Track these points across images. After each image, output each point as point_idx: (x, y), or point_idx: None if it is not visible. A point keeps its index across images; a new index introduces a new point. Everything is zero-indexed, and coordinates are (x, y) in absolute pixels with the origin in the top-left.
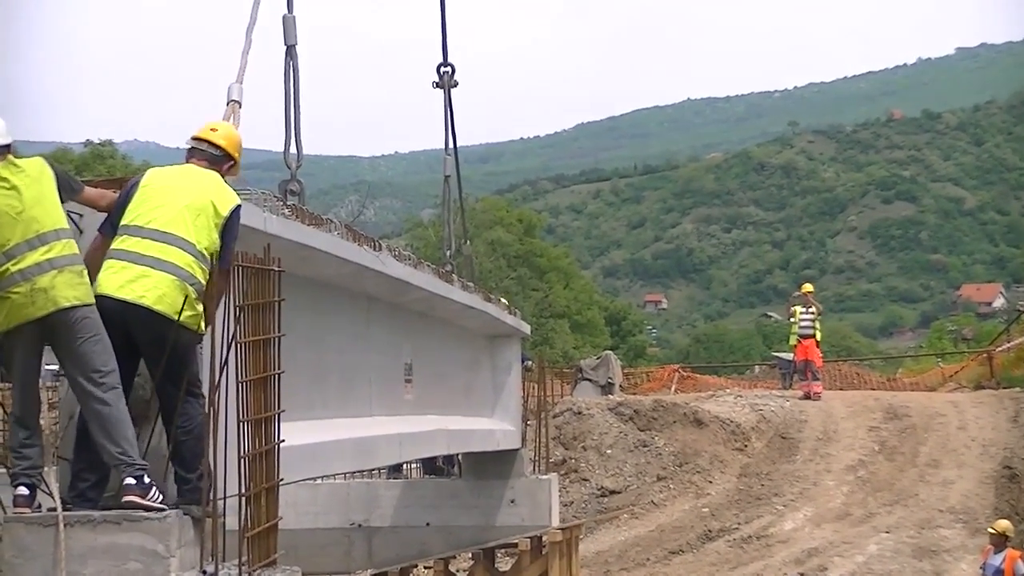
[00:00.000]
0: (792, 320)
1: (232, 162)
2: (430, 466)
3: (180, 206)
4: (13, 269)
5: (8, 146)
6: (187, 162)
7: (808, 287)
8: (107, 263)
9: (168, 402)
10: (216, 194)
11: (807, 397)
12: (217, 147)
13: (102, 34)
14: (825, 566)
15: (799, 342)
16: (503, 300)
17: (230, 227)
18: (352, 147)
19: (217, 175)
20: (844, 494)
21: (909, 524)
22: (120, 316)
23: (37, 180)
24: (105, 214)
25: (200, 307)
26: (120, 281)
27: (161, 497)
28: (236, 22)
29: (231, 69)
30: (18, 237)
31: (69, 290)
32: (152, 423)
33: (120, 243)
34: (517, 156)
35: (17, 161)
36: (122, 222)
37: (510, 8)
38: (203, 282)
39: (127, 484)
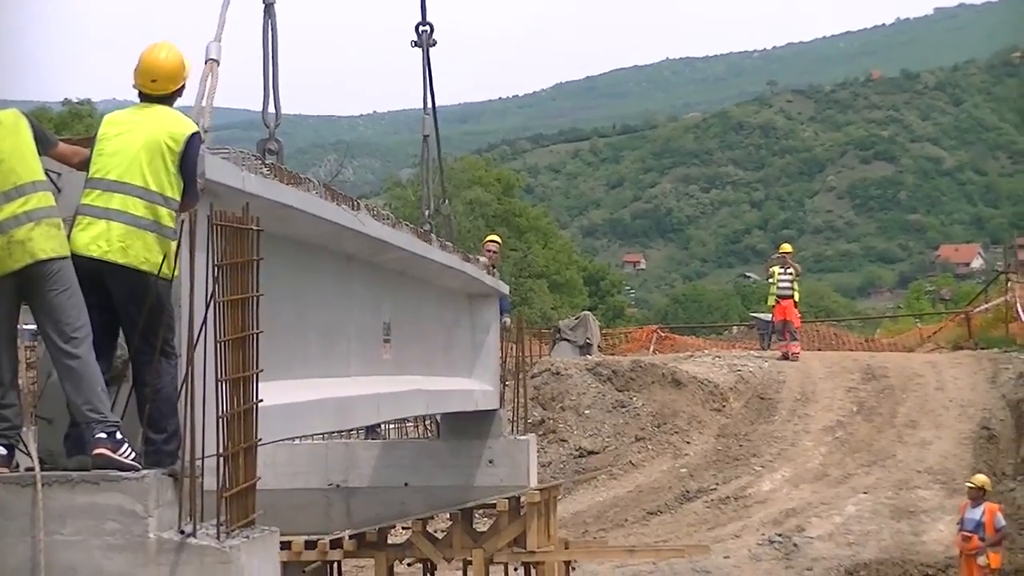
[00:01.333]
0: (770, 280)
1: (181, 88)
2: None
3: (133, 151)
4: None
5: None
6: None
7: (787, 247)
8: (76, 219)
9: (140, 361)
10: (168, 129)
11: (785, 357)
12: (167, 93)
13: None
14: (803, 526)
15: (777, 302)
16: (481, 259)
17: (188, 158)
18: (331, 107)
19: (167, 108)
20: (822, 455)
21: (887, 485)
22: (93, 273)
23: (13, 131)
24: (82, 172)
25: (166, 251)
26: (87, 238)
27: (133, 454)
28: None
29: (210, 27)
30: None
31: (46, 242)
32: (128, 383)
33: (85, 198)
34: (496, 116)
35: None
36: (88, 173)
37: None
38: (170, 225)
39: (98, 438)
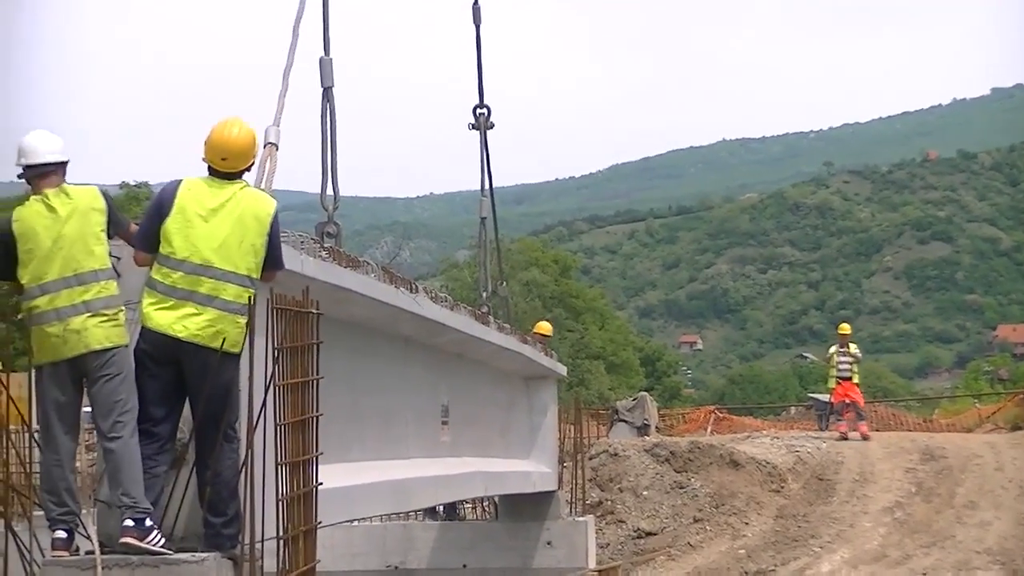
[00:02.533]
0: (829, 362)
1: (252, 164)
2: (450, 511)
3: (223, 234)
4: (47, 307)
5: (63, 165)
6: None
7: (846, 328)
8: (155, 296)
9: (205, 445)
10: (254, 210)
11: (844, 438)
12: (241, 170)
13: (138, 74)
14: None
15: (838, 383)
16: (539, 343)
17: (273, 236)
18: (387, 188)
19: (247, 186)
20: (881, 535)
21: (946, 566)
22: (169, 349)
23: (84, 214)
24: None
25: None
26: (171, 318)
27: (163, 541)
28: (273, 64)
29: (268, 111)
30: (55, 273)
31: (101, 332)
32: (190, 466)
33: (166, 277)
34: (552, 197)
35: (68, 189)
36: (163, 250)
37: (545, 50)
38: (249, 303)
39: (125, 526)
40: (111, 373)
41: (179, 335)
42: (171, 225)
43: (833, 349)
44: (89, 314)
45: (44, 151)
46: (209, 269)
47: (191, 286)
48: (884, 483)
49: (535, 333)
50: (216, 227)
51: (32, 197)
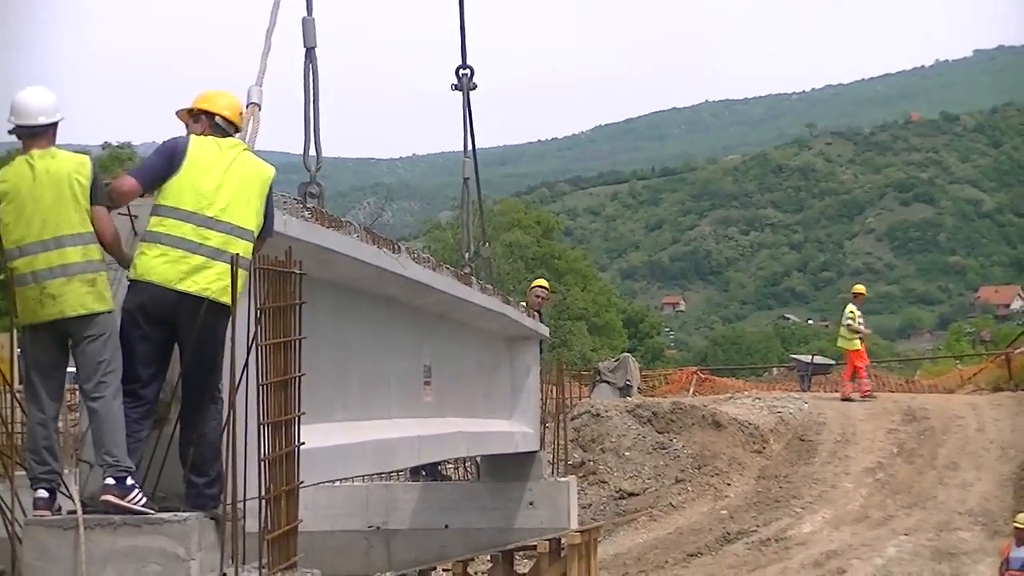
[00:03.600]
0: (850, 321)
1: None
2: (433, 471)
3: (232, 190)
4: (25, 269)
5: (54, 125)
6: (197, 133)
7: (861, 288)
8: (158, 248)
9: (190, 405)
10: (258, 170)
11: (848, 399)
12: (233, 124)
13: (120, 35)
14: (844, 568)
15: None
16: (522, 303)
17: (270, 199)
18: (370, 149)
19: (247, 148)
20: (862, 496)
21: (928, 526)
22: (169, 309)
23: (65, 178)
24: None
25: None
26: (177, 272)
27: (144, 500)
28: (254, 24)
29: (250, 71)
30: (34, 236)
31: (76, 299)
32: (172, 426)
33: (172, 228)
34: (535, 158)
35: (56, 152)
36: (169, 202)
37: (528, 10)
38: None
39: (106, 483)
40: (94, 334)
41: (188, 290)
42: (183, 177)
43: (855, 309)
44: (66, 278)
45: (35, 111)
46: (219, 223)
47: (200, 239)
48: (866, 444)
49: (535, 287)
50: (226, 183)
51: (19, 157)
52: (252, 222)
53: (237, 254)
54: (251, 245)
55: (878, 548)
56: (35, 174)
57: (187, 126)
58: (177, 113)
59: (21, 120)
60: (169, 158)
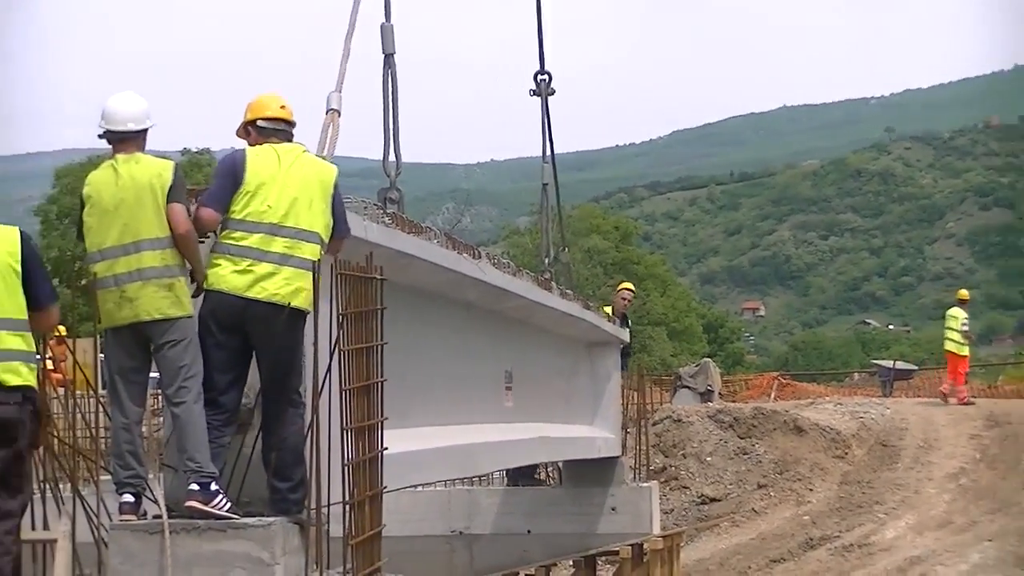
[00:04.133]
0: (956, 326)
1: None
2: (526, 475)
3: (293, 193)
4: (106, 272)
5: (142, 132)
6: (263, 142)
7: (965, 293)
8: (228, 259)
9: (271, 410)
10: (319, 172)
11: (952, 401)
12: (292, 124)
13: (202, 40)
14: (927, 574)
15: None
16: (606, 308)
17: (337, 198)
18: (448, 155)
19: (306, 150)
20: (946, 502)
21: (1011, 532)
22: (240, 317)
23: (147, 184)
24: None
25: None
26: (247, 281)
27: (228, 505)
28: (333, 30)
29: (329, 78)
30: (114, 239)
31: (152, 303)
32: (256, 432)
33: (240, 239)
34: (613, 163)
35: (140, 157)
36: (237, 215)
37: (607, 16)
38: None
39: (190, 490)
40: (175, 339)
41: (258, 296)
42: (245, 190)
43: (962, 312)
44: (142, 282)
45: (124, 118)
46: (283, 228)
47: (265, 246)
48: (948, 449)
49: (621, 290)
50: (285, 188)
51: (105, 162)
52: (318, 224)
53: (314, 260)
54: (318, 247)
55: (962, 554)
56: (118, 179)
57: (247, 142)
58: (236, 132)
59: (111, 125)
60: (232, 175)
